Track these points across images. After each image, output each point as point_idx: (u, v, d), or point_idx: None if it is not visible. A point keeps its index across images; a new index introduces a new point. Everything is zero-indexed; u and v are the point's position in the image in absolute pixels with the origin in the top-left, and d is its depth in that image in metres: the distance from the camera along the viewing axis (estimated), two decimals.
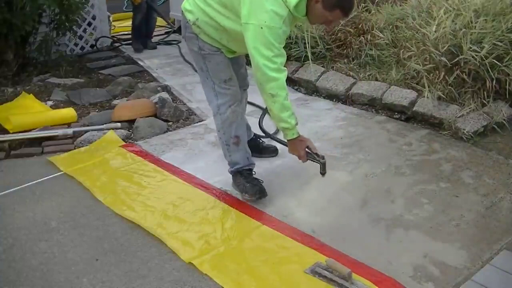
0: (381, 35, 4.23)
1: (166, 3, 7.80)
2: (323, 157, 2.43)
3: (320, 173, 2.46)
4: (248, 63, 2.39)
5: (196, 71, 4.85)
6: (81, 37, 5.68)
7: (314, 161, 2.46)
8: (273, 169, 3.00)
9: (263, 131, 3.45)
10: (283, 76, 2.22)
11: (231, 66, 2.55)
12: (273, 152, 3.12)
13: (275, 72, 2.18)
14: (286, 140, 2.47)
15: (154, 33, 6.60)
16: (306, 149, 2.42)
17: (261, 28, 2.11)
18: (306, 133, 2.95)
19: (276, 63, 2.17)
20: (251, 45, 2.17)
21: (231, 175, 2.72)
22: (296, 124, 2.35)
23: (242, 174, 2.65)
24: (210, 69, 2.48)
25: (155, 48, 5.95)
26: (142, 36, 5.88)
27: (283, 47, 2.22)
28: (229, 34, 2.36)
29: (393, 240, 2.30)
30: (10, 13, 4.31)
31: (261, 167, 3.03)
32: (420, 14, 4.02)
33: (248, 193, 2.61)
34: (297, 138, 2.40)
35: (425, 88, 3.54)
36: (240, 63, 2.74)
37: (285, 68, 2.25)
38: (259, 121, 3.58)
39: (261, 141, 3.15)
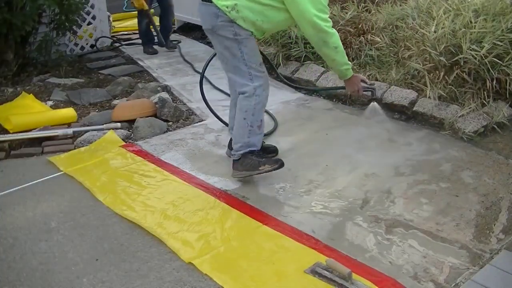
0: (377, 39, 4.22)
1: None
2: (373, 84, 3.20)
3: (372, 98, 3.13)
4: None
5: (196, 71, 4.92)
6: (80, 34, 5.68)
7: (367, 90, 3.00)
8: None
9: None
10: (335, 30, 2.62)
11: None
12: (273, 152, 3.12)
13: (331, 29, 2.57)
14: (344, 81, 2.85)
15: (154, 33, 6.63)
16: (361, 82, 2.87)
17: None
18: (306, 133, 2.97)
19: (330, 22, 2.56)
20: (309, 13, 2.46)
21: (237, 158, 2.74)
22: None
23: (254, 153, 2.74)
24: (246, 53, 2.60)
25: (175, 48, 5.83)
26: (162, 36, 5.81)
27: None
28: (266, 14, 2.55)
29: (393, 240, 2.31)
30: (10, 13, 4.31)
31: None
32: (420, 14, 4.02)
33: (267, 164, 2.71)
34: (353, 74, 2.81)
35: (426, 87, 3.54)
36: None
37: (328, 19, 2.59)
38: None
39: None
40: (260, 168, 2.71)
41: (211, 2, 2.54)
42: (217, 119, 3.54)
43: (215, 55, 3.07)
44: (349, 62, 2.75)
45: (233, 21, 2.51)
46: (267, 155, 2.89)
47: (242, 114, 2.70)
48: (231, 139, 3.03)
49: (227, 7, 2.49)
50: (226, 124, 3.33)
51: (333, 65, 2.75)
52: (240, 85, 2.69)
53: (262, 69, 2.68)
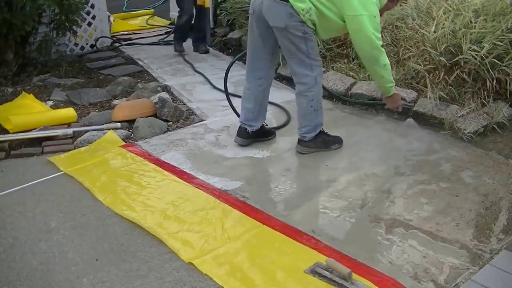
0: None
1: (166, 3, 7.81)
2: (410, 101, 3.51)
3: (408, 114, 3.48)
4: None
5: (196, 71, 4.92)
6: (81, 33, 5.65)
7: (405, 107, 3.38)
8: (274, 170, 3.01)
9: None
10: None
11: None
12: (273, 133, 3.42)
13: (382, 48, 2.85)
14: (386, 97, 3.16)
15: (154, 33, 6.62)
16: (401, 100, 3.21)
17: (374, 17, 2.75)
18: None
19: (381, 41, 2.85)
20: (368, 31, 2.74)
21: (310, 139, 3.10)
22: None
23: (321, 132, 3.14)
24: (310, 47, 2.88)
25: (207, 52, 5.60)
26: (196, 39, 5.63)
27: None
28: (323, 23, 2.85)
29: (393, 240, 2.31)
30: (10, 13, 4.31)
31: (261, 168, 3.04)
32: (419, 14, 4.02)
33: (337, 143, 3.19)
34: (395, 92, 3.12)
35: (426, 88, 3.54)
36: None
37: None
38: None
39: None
40: (331, 147, 3.16)
41: (288, 2, 2.76)
42: (233, 112, 3.62)
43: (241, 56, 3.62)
44: (393, 81, 3.04)
45: (304, 22, 2.79)
46: (268, 136, 3.35)
47: (308, 103, 3.03)
48: (240, 128, 3.27)
49: (302, 9, 2.76)
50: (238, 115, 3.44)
51: (381, 81, 3.04)
52: (302, 76, 2.98)
53: (319, 58, 3.01)
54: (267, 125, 3.42)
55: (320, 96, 3.06)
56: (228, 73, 3.58)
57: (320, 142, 3.13)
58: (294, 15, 2.77)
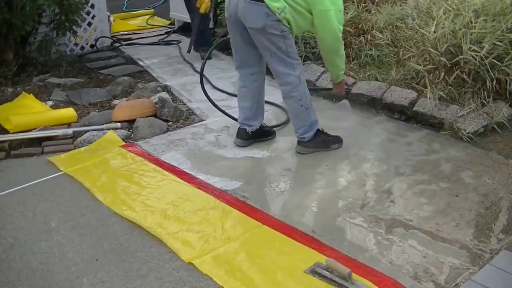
0: (380, 35, 4.23)
1: (166, 3, 7.80)
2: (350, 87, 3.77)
3: (346, 96, 3.66)
4: None
5: (196, 71, 4.91)
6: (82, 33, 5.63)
7: (346, 91, 3.50)
8: (274, 170, 3.01)
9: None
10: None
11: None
12: (272, 134, 3.40)
13: (342, 40, 2.95)
14: (334, 83, 3.25)
15: (154, 33, 6.61)
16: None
17: (340, 11, 2.85)
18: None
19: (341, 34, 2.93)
20: (333, 24, 2.82)
21: (309, 139, 3.11)
22: None
23: (320, 131, 3.16)
24: (289, 45, 2.93)
25: (210, 58, 5.32)
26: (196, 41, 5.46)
27: None
28: (297, 19, 2.88)
29: (393, 240, 2.31)
30: (10, 13, 4.30)
31: (261, 168, 3.04)
32: (419, 14, 4.02)
33: (337, 142, 3.20)
34: (342, 79, 3.23)
35: (426, 88, 3.54)
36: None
37: None
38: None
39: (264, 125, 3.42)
40: (331, 146, 3.17)
41: (263, 2, 2.77)
42: (224, 115, 3.60)
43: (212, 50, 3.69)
44: (344, 68, 3.12)
45: (280, 21, 2.82)
46: (268, 136, 3.35)
47: (297, 103, 3.04)
48: (239, 129, 3.27)
49: (278, 8, 2.78)
50: (233, 118, 3.46)
51: (336, 70, 3.13)
52: (285, 75, 3.00)
53: (298, 57, 3.05)
54: (266, 126, 3.42)
55: (307, 94, 3.06)
56: (205, 63, 3.59)
57: (319, 142, 3.14)
58: (270, 14, 2.79)
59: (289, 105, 3.10)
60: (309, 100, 3.08)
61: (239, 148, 3.26)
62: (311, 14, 2.86)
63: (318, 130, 3.14)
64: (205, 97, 3.59)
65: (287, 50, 2.93)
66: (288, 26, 2.88)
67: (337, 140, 3.21)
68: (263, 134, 3.33)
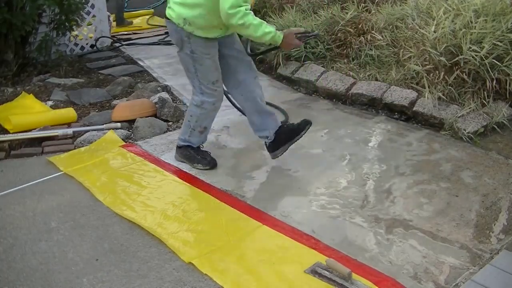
0: (379, 36, 4.23)
1: (164, 4, 7.80)
2: (313, 30, 3.07)
3: (315, 35, 2.94)
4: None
5: None
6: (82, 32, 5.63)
7: (309, 38, 2.87)
8: (274, 170, 3.00)
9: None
10: (242, 8, 2.53)
11: (229, 65, 2.89)
12: (308, 123, 2.98)
13: (246, 18, 2.54)
14: (278, 45, 2.74)
15: (154, 33, 6.62)
16: (296, 36, 2.71)
17: None
18: (306, 133, 2.97)
19: (243, 10, 2.53)
20: (224, 8, 2.50)
21: (179, 147, 3.04)
22: (276, 28, 2.67)
23: (192, 148, 3.04)
24: (199, 70, 2.78)
25: None
26: None
27: None
28: (208, 12, 2.62)
29: (393, 240, 2.31)
30: (10, 13, 4.31)
31: (261, 168, 3.04)
32: (419, 14, 4.03)
33: (201, 163, 3.00)
34: (284, 36, 2.67)
35: (425, 88, 3.54)
36: (240, 49, 2.94)
37: (246, 4, 2.55)
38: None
39: (285, 125, 3.06)
40: (194, 164, 3.01)
41: (171, 18, 2.70)
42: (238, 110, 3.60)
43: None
44: (271, 29, 2.61)
45: (191, 34, 2.68)
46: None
47: (188, 116, 2.96)
48: (265, 143, 3.04)
49: (179, 23, 2.67)
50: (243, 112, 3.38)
51: (261, 39, 2.67)
52: (193, 92, 2.91)
53: (214, 87, 2.84)
54: (286, 124, 3.09)
55: (201, 121, 2.92)
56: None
57: (187, 156, 3.03)
58: (178, 30, 2.69)
59: (187, 111, 3.01)
60: (200, 126, 2.93)
61: (239, 148, 3.26)
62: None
63: (189, 146, 3.02)
64: None
65: (197, 75, 2.79)
66: (206, 36, 2.70)
67: (204, 162, 2.99)
68: (290, 135, 2.95)
